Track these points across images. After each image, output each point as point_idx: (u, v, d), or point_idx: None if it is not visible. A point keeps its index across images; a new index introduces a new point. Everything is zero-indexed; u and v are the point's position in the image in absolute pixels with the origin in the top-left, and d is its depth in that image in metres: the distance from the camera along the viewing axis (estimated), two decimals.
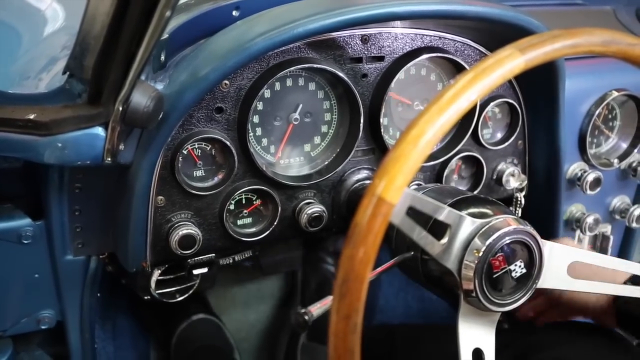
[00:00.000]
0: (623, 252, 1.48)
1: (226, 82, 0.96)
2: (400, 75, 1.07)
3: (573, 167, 1.30)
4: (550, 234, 1.31)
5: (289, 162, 1.08)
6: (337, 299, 0.57)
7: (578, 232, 1.36)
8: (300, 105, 1.05)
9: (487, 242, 0.78)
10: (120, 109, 0.80)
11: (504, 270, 0.80)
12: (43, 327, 1.11)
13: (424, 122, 0.58)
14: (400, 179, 0.57)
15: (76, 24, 0.79)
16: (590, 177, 1.28)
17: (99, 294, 1.16)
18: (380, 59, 1.07)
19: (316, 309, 0.72)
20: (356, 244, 0.57)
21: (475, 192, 1.21)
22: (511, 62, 0.61)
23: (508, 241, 0.80)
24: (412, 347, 1.20)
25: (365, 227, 0.56)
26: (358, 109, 1.05)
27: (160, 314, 1.49)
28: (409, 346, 1.21)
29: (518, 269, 0.81)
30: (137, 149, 0.93)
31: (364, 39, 1.04)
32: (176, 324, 1.45)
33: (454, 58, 1.08)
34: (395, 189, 0.56)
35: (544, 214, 1.30)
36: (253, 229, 1.07)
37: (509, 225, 0.80)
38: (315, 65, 0.99)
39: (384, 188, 0.56)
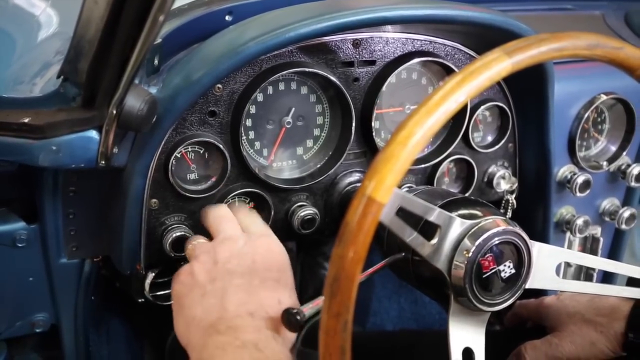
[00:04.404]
0: (613, 254, 1.49)
1: (219, 86, 0.97)
2: (392, 79, 1.08)
3: (563, 170, 1.31)
4: (540, 235, 1.32)
5: (282, 165, 1.09)
6: (328, 298, 0.58)
7: (568, 234, 1.37)
8: (293, 109, 1.06)
9: (477, 243, 0.79)
10: (114, 112, 0.81)
11: (493, 271, 0.81)
12: (37, 331, 1.11)
13: (413, 123, 0.59)
14: (389, 179, 0.58)
15: (70, 29, 0.80)
16: (580, 179, 1.29)
17: (93, 297, 1.16)
18: (372, 63, 1.08)
19: (308, 308, 0.73)
20: (347, 244, 0.58)
21: (467, 195, 1.22)
22: (498, 64, 0.62)
23: (497, 242, 0.81)
24: (409, 354, 1.20)
25: (356, 227, 0.57)
26: (350, 112, 1.06)
27: (154, 317, 1.49)
28: (405, 353, 1.21)
29: (507, 269, 0.82)
30: (131, 152, 0.94)
31: (356, 44, 1.05)
32: (170, 327, 1.45)
33: (445, 62, 1.10)
34: (385, 189, 0.57)
35: (535, 216, 1.31)
36: None
37: (498, 226, 0.81)
38: (307, 69, 1.00)
39: (373, 188, 0.57)
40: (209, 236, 0.94)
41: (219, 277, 0.80)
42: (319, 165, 1.10)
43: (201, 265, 0.83)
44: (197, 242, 0.93)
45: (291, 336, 0.78)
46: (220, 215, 0.93)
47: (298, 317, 0.71)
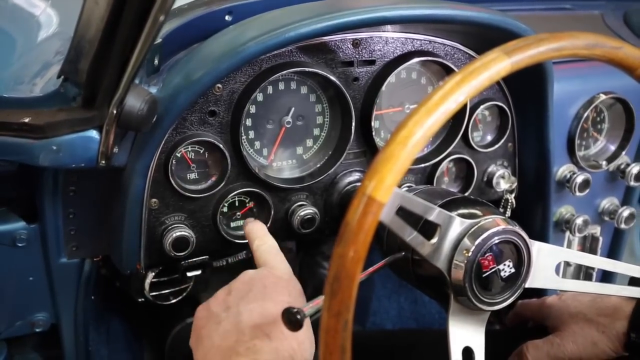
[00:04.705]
0: (612, 253, 1.49)
1: (219, 85, 0.98)
2: (391, 78, 1.08)
3: (562, 169, 1.31)
4: (540, 235, 1.32)
5: (282, 164, 1.09)
6: (329, 297, 0.58)
7: (568, 233, 1.37)
8: (293, 109, 1.06)
9: (476, 242, 0.79)
10: (115, 112, 0.81)
11: (493, 270, 0.81)
12: (37, 330, 1.11)
13: (412, 123, 0.59)
14: (389, 178, 0.58)
15: (70, 29, 0.80)
16: (579, 178, 1.29)
17: (92, 297, 1.16)
18: (371, 62, 1.08)
19: (308, 307, 0.73)
20: (347, 243, 0.58)
21: (466, 194, 1.22)
22: (497, 64, 0.62)
23: (497, 241, 0.81)
24: (408, 353, 1.21)
25: (356, 226, 0.57)
26: (350, 112, 1.06)
27: (154, 316, 1.49)
28: (405, 352, 1.21)
29: (507, 268, 0.83)
30: (131, 152, 0.94)
31: (355, 43, 1.05)
32: (170, 327, 1.45)
33: (444, 62, 1.10)
34: (385, 189, 0.58)
35: (534, 215, 1.31)
36: None
37: (497, 225, 0.81)
38: (307, 69, 1.00)
39: (373, 188, 0.57)
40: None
41: (232, 304, 0.81)
42: (318, 165, 1.10)
43: (216, 298, 0.84)
44: None
45: (309, 356, 0.79)
46: None
47: (298, 316, 0.71)
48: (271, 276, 0.85)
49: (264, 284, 0.83)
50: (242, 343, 0.76)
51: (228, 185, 1.04)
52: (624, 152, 1.35)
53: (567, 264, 1.41)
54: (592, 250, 1.43)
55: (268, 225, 1.07)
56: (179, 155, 0.99)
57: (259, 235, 0.94)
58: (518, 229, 0.83)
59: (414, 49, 1.10)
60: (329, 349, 0.58)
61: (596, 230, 1.42)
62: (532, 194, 1.29)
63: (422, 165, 1.16)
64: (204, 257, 1.09)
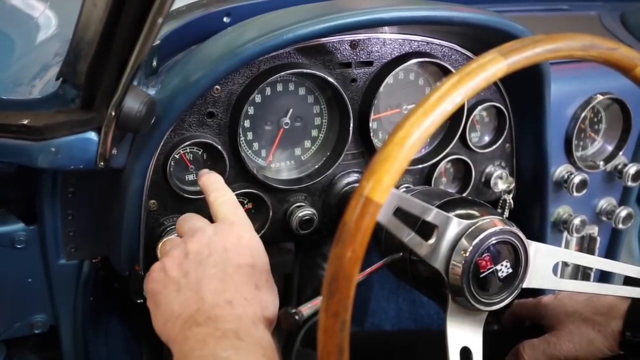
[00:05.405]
0: (610, 253, 1.49)
1: (217, 87, 0.98)
2: (389, 80, 1.08)
3: (560, 170, 1.31)
4: (538, 235, 1.32)
5: (280, 165, 1.09)
6: (326, 297, 0.59)
7: (565, 233, 1.38)
8: (291, 110, 1.06)
9: (474, 243, 0.79)
10: (113, 113, 0.81)
11: (490, 270, 0.82)
12: (36, 332, 1.11)
13: (410, 124, 0.60)
14: (387, 179, 0.58)
15: (69, 31, 0.80)
16: (577, 179, 1.30)
17: (91, 298, 1.16)
18: (369, 64, 1.08)
19: (307, 308, 0.73)
20: (345, 243, 0.58)
21: (464, 195, 1.22)
22: (494, 65, 0.62)
23: (494, 241, 0.81)
24: (407, 353, 1.21)
25: (353, 227, 0.58)
26: (347, 113, 1.06)
27: None
28: (403, 352, 1.21)
29: (504, 268, 0.83)
30: (130, 153, 0.94)
31: (353, 45, 1.06)
32: None
33: (442, 63, 1.10)
34: (382, 189, 0.58)
35: (532, 215, 1.32)
36: None
37: (495, 225, 0.82)
38: (304, 70, 1.01)
39: (371, 188, 0.58)
40: None
41: (191, 269, 0.77)
42: (317, 166, 1.10)
43: (172, 260, 0.80)
44: (168, 239, 0.92)
45: (272, 321, 0.76)
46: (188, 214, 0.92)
47: (297, 317, 0.71)
48: (231, 235, 0.81)
49: (224, 247, 0.79)
50: (203, 312, 0.73)
51: None
52: (621, 153, 1.35)
53: (565, 264, 1.41)
54: (590, 251, 1.43)
55: (266, 226, 1.08)
56: (177, 156, 0.99)
57: (216, 188, 0.89)
58: (515, 229, 0.83)
59: (411, 50, 1.10)
60: (326, 349, 0.59)
61: (594, 230, 1.43)
62: (530, 195, 1.29)
63: (420, 166, 1.17)
64: None
